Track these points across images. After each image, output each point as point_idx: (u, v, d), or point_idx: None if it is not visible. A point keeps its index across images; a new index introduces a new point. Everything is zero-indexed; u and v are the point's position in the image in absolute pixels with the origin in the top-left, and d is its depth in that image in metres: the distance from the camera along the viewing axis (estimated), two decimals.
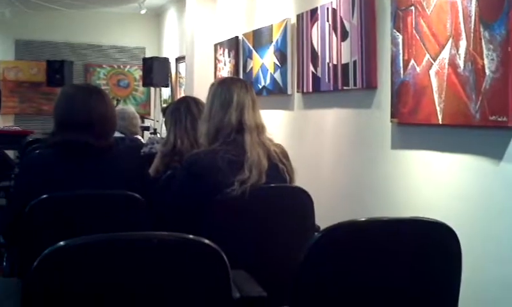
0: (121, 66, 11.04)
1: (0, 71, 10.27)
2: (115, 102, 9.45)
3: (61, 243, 1.44)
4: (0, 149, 5.10)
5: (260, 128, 2.50)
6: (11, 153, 7.32)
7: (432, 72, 3.34)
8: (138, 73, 10.67)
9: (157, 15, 10.76)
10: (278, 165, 2.46)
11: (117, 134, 4.81)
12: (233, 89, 2.51)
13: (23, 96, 10.40)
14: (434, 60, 3.31)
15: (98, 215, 2.22)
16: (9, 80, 10.34)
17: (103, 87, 10.64)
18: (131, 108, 5.66)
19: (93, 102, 2.51)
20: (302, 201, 2.43)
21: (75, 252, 1.45)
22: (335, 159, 4.64)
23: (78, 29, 10.42)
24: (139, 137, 5.64)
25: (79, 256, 1.45)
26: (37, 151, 2.64)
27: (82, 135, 2.44)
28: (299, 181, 2.65)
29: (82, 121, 2.46)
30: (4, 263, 2.67)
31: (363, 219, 1.77)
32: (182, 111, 3.10)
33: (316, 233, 1.71)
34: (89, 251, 1.46)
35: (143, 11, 9.42)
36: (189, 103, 3.15)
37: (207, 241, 1.53)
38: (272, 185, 2.39)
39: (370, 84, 4.06)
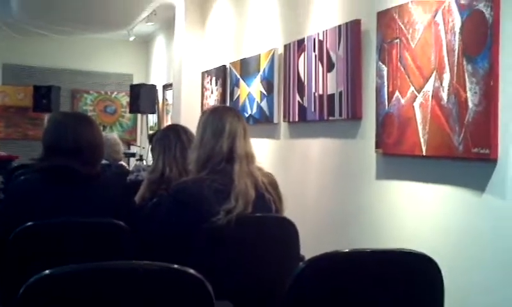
0: (109, 93, 11.06)
1: None
2: (101, 128, 9.46)
3: (47, 271, 1.43)
4: None
5: (249, 158, 2.51)
6: None
7: (416, 104, 3.38)
8: (125, 100, 10.70)
9: (145, 42, 10.83)
10: (264, 195, 2.47)
11: (102, 161, 4.83)
12: (226, 117, 2.53)
13: (9, 121, 10.38)
14: (419, 92, 3.36)
15: (83, 243, 2.22)
16: None
17: (90, 113, 10.69)
18: (113, 135, 5.68)
19: (82, 129, 2.54)
20: (287, 230, 2.44)
21: (60, 281, 1.45)
22: (320, 188, 4.67)
23: (66, 54, 10.45)
24: (124, 164, 5.65)
25: (64, 285, 1.45)
26: (23, 177, 2.63)
27: (70, 161, 2.45)
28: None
29: (71, 148, 2.48)
30: None
31: (347, 250, 1.79)
32: (171, 139, 3.10)
33: (301, 263, 1.73)
34: (74, 279, 1.46)
35: (131, 38, 9.47)
36: (178, 131, 3.16)
37: (191, 271, 1.53)
38: (257, 214, 2.40)
39: (355, 115, 4.10)
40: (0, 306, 2.36)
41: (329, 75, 4.46)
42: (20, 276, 1.53)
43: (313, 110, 4.69)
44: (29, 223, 2.19)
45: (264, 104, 5.70)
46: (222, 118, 2.54)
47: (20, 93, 10.42)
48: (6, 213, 2.48)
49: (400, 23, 3.56)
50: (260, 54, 5.83)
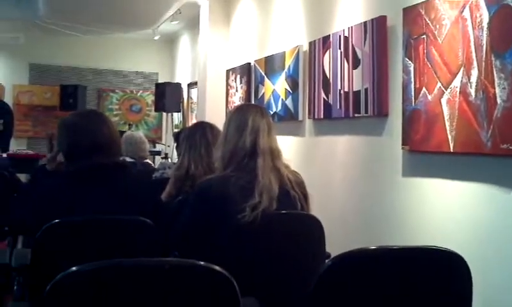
0: (134, 91, 11.13)
1: (14, 95, 10.38)
2: (127, 127, 9.52)
3: (73, 268, 1.44)
4: (12, 172, 5.14)
5: (275, 153, 2.50)
6: (23, 177, 7.36)
7: (443, 100, 3.34)
8: (150, 98, 10.75)
9: (170, 41, 10.86)
10: (289, 192, 2.46)
11: (127, 159, 4.85)
12: (249, 113, 2.53)
13: (36, 120, 10.50)
14: (446, 88, 3.32)
15: (109, 240, 2.23)
16: (23, 104, 10.45)
17: (115, 112, 10.79)
18: (139, 133, 5.70)
19: (95, 125, 2.53)
20: (312, 228, 2.43)
21: (87, 277, 1.45)
22: (346, 186, 4.64)
23: (92, 54, 10.54)
24: (149, 162, 5.67)
25: (91, 282, 1.45)
26: (50, 180, 2.65)
27: (92, 160, 2.46)
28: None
29: (89, 147, 2.48)
30: (15, 288, 2.67)
31: (373, 247, 1.77)
32: (197, 137, 3.11)
33: (327, 261, 1.71)
34: (101, 276, 1.46)
35: (156, 37, 9.51)
36: (204, 128, 3.16)
37: (217, 268, 1.53)
38: (283, 211, 2.39)
39: (382, 112, 4.07)
40: (28, 303, 2.38)
41: (354, 71, 4.43)
42: (47, 273, 1.54)
43: (338, 107, 4.66)
44: (56, 220, 2.20)
45: (288, 102, 5.69)
46: (245, 114, 2.55)
47: (47, 93, 10.54)
48: (33, 209, 2.50)
49: (426, 19, 3.52)
50: (284, 52, 5.81)
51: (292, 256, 2.36)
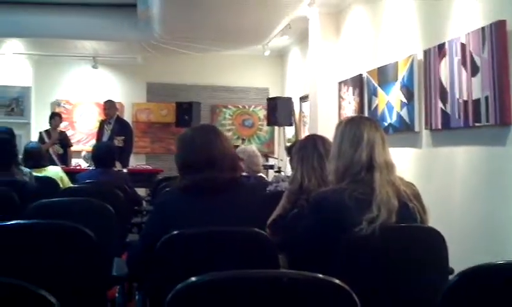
0: (246, 106, 11.29)
1: (133, 113, 10.84)
2: (240, 142, 9.66)
3: (193, 279, 1.45)
4: (131, 186, 5.35)
5: (389, 167, 2.44)
6: (142, 191, 7.64)
7: None
8: (262, 113, 10.86)
9: (280, 56, 10.95)
10: (408, 205, 2.37)
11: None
12: (363, 127, 2.47)
13: (154, 137, 10.89)
14: None
15: (227, 251, 2.24)
16: (141, 121, 10.88)
17: (228, 127, 10.99)
18: (252, 147, 5.74)
19: (210, 140, 2.58)
20: (435, 242, 2.32)
21: (206, 288, 1.46)
22: (467, 198, 4.44)
23: (205, 71, 10.81)
24: (263, 176, 5.70)
25: (209, 293, 1.45)
26: (167, 190, 2.72)
27: (206, 174, 2.49)
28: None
29: (202, 161, 2.52)
30: (137, 297, 2.75)
31: (502, 262, 1.66)
32: (309, 149, 3.08)
33: (452, 276, 1.62)
34: (219, 287, 1.46)
35: (266, 53, 9.60)
36: (316, 141, 3.13)
37: (337, 281, 1.49)
38: (402, 225, 2.30)
39: (504, 120, 3.87)
40: None
41: (473, 79, 4.24)
42: (166, 283, 1.56)
43: (457, 116, 4.48)
44: (175, 232, 2.24)
45: (403, 112, 5.54)
46: (359, 127, 2.49)
47: (163, 110, 10.92)
48: (152, 224, 2.58)
49: None
50: (397, 61, 5.67)
51: (413, 270, 2.26)
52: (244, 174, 5.01)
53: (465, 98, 4.35)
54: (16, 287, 1.41)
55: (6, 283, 1.43)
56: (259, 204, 2.81)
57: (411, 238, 2.31)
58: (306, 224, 2.51)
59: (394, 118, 5.74)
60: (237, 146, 5.91)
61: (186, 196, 2.51)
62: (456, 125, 4.51)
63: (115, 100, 9.47)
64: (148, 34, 8.55)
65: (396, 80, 5.69)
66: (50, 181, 5.00)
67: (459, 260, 2.21)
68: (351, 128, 2.52)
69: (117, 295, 3.01)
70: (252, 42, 9.41)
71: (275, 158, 9.87)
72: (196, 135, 2.65)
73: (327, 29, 7.71)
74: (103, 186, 4.61)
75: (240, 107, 11.28)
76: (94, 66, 10.47)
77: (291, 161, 3.57)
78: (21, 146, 5.46)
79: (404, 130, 5.53)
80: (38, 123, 10.02)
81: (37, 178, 4.82)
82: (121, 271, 2.74)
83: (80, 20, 8.58)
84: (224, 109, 11.24)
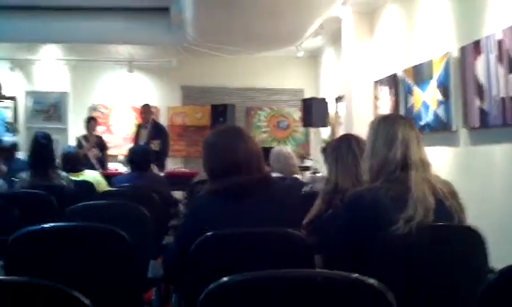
0: (281, 108, 11.27)
1: (168, 117, 10.91)
2: (276, 143, 9.63)
3: (225, 279, 1.45)
4: (168, 189, 5.40)
5: (425, 165, 2.40)
6: (179, 194, 7.68)
7: None
8: (297, 114, 10.82)
9: (313, 57, 10.90)
10: (444, 203, 2.33)
11: (276, 175, 4.89)
12: (397, 125, 2.44)
13: (189, 140, 10.94)
14: None
15: (259, 253, 2.23)
16: (177, 124, 10.95)
17: (264, 129, 10.98)
18: (287, 148, 5.72)
19: (233, 143, 2.56)
20: (473, 241, 2.27)
21: (238, 288, 1.45)
22: (506, 197, 4.35)
23: (239, 73, 10.82)
24: (299, 177, 5.68)
25: (242, 292, 1.45)
26: (199, 194, 2.72)
27: (234, 178, 2.48)
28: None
29: (227, 165, 2.51)
30: (173, 299, 2.76)
31: None
32: (343, 149, 3.05)
33: (490, 274, 1.58)
34: (252, 287, 1.45)
35: (300, 54, 9.57)
36: (350, 141, 3.10)
37: (372, 281, 1.46)
38: (440, 223, 2.26)
39: None
40: None
41: (510, 76, 4.16)
42: (201, 283, 1.55)
43: (495, 114, 4.40)
44: (209, 233, 2.24)
45: (440, 111, 5.46)
46: (394, 125, 2.46)
47: (198, 113, 10.96)
48: (187, 227, 2.58)
49: None
50: (432, 59, 5.60)
51: (451, 270, 2.21)
52: (279, 175, 5.00)
53: (503, 96, 4.27)
54: (51, 288, 1.42)
55: (41, 285, 1.44)
56: (294, 205, 2.80)
57: (449, 238, 2.26)
58: (341, 224, 2.49)
59: (430, 116, 5.67)
60: (272, 148, 5.90)
61: (217, 200, 2.50)
62: (494, 122, 4.43)
63: (150, 103, 9.55)
64: (182, 37, 8.61)
65: (432, 78, 5.61)
66: (87, 185, 5.07)
67: (498, 259, 2.16)
68: (385, 126, 2.49)
69: (153, 297, 3.03)
70: (285, 43, 9.39)
71: (310, 159, 9.83)
72: (219, 139, 2.64)
73: (360, 28, 7.66)
74: (139, 189, 4.65)
75: (275, 108, 11.26)
76: (129, 70, 10.59)
77: (326, 161, 3.55)
78: (59, 151, 5.54)
79: (440, 129, 5.45)
80: (76, 128, 10.17)
81: (74, 182, 4.90)
82: (157, 273, 2.76)
83: (115, 25, 8.70)
84: (259, 111, 11.24)
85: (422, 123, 5.75)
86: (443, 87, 5.38)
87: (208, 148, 2.65)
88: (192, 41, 8.65)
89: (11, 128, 7.58)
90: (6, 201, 3.64)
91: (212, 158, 2.61)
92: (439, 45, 5.55)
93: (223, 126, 2.93)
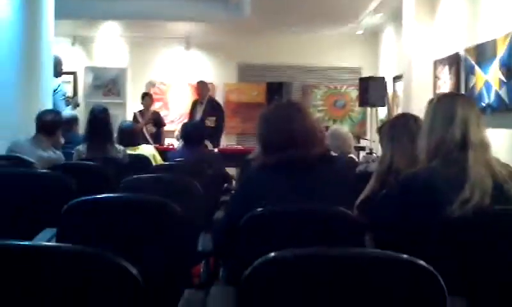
0: (338, 87, 11.14)
1: (224, 93, 10.95)
2: (332, 122, 9.54)
3: (271, 254, 1.43)
4: (221, 165, 5.43)
5: (485, 146, 2.31)
6: (233, 170, 7.71)
7: None
8: (354, 94, 10.68)
9: (373, 34, 10.70)
10: (503, 186, 2.24)
11: (332, 154, 4.84)
12: (457, 103, 2.36)
13: (244, 117, 10.95)
14: None
15: (310, 229, 2.20)
16: (232, 101, 10.98)
17: (320, 108, 10.90)
18: (344, 128, 5.67)
19: (290, 118, 2.51)
20: None
21: (285, 264, 1.43)
22: None
23: (296, 51, 10.74)
24: (354, 157, 5.61)
25: (288, 268, 1.43)
26: (251, 168, 2.71)
27: (290, 152, 2.44)
28: None
29: (283, 140, 2.47)
30: (221, 273, 2.77)
31: None
32: (399, 128, 2.98)
33: None
34: (299, 263, 1.43)
35: (359, 32, 9.42)
36: (407, 120, 3.02)
37: (422, 262, 1.42)
38: (498, 207, 2.17)
39: None
40: (226, 284, 2.44)
41: None
42: (249, 258, 1.54)
43: None
44: (259, 209, 2.23)
45: (503, 92, 5.27)
46: (452, 103, 2.37)
47: (254, 90, 10.95)
48: (236, 201, 2.57)
49: None
50: (496, 38, 5.40)
51: (508, 255, 2.14)
52: (334, 154, 4.95)
53: None
54: (100, 257, 1.44)
55: (91, 253, 1.46)
56: (349, 184, 2.75)
57: (507, 222, 2.18)
58: (394, 205, 2.43)
59: (493, 97, 5.48)
60: (329, 127, 5.85)
61: (270, 174, 2.47)
62: None
63: (207, 80, 9.60)
64: (239, 14, 8.60)
65: (495, 57, 5.42)
66: (143, 159, 5.13)
67: None
68: (444, 104, 2.41)
69: (202, 270, 3.05)
70: (344, 21, 9.27)
71: (367, 139, 9.70)
72: (276, 112, 2.60)
73: (421, 5, 7.47)
74: (191, 164, 4.68)
75: (332, 87, 11.14)
76: (186, 48, 10.66)
77: (381, 140, 3.48)
78: (116, 125, 5.63)
79: (503, 111, 5.28)
80: (133, 104, 10.32)
81: (130, 155, 4.97)
82: (207, 247, 2.77)
83: (173, 2, 8.76)
84: (315, 90, 11.14)
85: (484, 104, 5.57)
86: (507, 67, 5.19)
87: (264, 121, 2.61)
88: (249, 19, 8.63)
89: (72, 102, 7.74)
90: (63, 172, 3.72)
91: (268, 131, 2.57)
92: (503, 24, 5.35)
93: (282, 102, 2.89)
